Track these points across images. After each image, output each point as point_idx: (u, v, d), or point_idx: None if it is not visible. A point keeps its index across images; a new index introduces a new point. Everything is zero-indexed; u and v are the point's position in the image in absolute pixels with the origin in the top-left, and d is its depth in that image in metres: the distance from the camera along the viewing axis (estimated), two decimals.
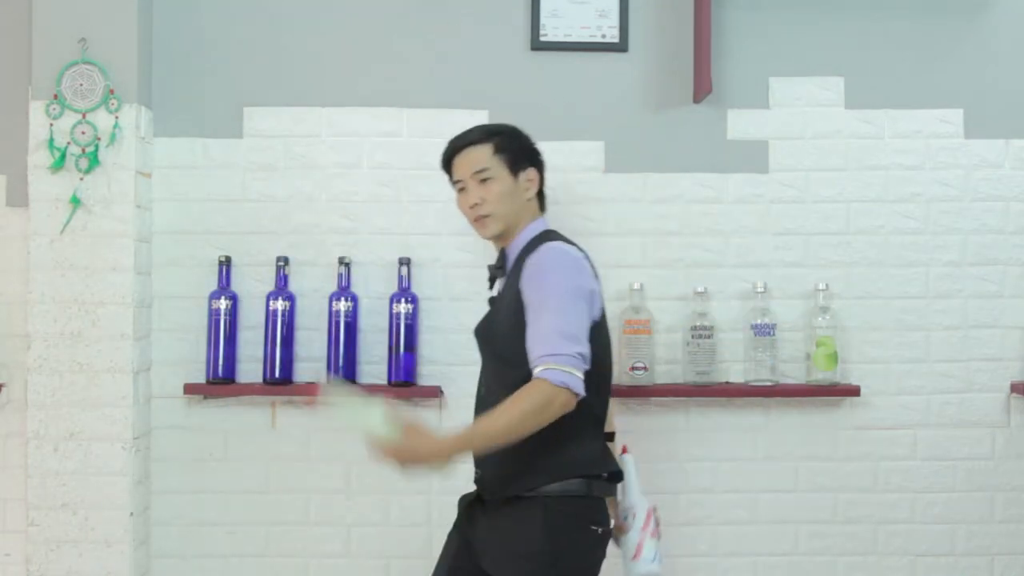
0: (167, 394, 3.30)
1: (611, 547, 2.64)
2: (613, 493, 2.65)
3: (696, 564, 3.33)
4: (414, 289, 3.30)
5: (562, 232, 2.70)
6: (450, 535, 2.73)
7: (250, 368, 3.31)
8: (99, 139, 3.16)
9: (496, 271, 2.73)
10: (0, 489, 3.26)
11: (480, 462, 2.64)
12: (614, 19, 3.38)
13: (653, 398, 3.31)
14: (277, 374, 3.26)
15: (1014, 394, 3.35)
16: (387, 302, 3.29)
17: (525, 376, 2.44)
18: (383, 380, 3.28)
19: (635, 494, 2.67)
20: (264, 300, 3.29)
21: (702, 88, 3.27)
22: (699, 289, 3.30)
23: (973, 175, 3.39)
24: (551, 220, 2.76)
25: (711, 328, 3.27)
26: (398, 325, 3.26)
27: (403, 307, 3.26)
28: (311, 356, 3.31)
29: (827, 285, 3.32)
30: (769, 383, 3.27)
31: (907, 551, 3.35)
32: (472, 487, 2.71)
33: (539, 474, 2.52)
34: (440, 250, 3.33)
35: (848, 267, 3.37)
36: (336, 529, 3.31)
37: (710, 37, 3.23)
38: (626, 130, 3.37)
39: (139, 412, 3.20)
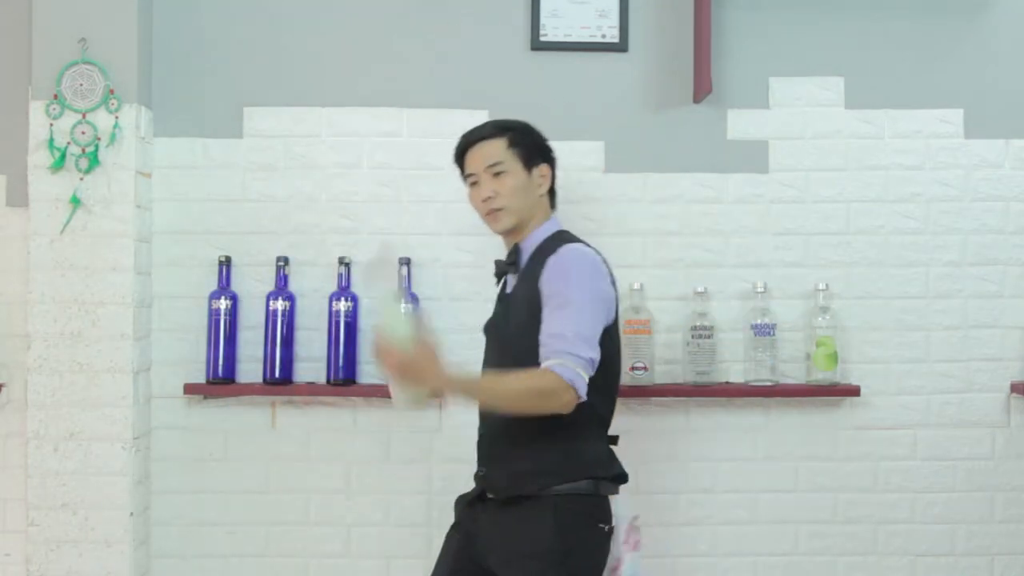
0: (167, 394, 3.31)
1: None
2: (617, 492, 2.65)
3: (696, 564, 3.33)
4: (414, 289, 3.30)
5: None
6: (449, 536, 2.73)
7: (250, 368, 3.31)
8: (99, 139, 3.16)
9: (508, 267, 2.72)
10: (0, 489, 3.26)
11: (486, 460, 2.64)
12: (614, 19, 3.38)
13: (653, 398, 3.31)
14: (277, 374, 3.26)
15: (1014, 394, 3.35)
16: None
17: None
18: (383, 380, 3.27)
19: (618, 504, 2.65)
20: (264, 300, 3.29)
21: (702, 88, 3.27)
22: (699, 289, 3.30)
23: (973, 175, 3.39)
24: None
25: (711, 328, 3.27)
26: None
27: (403, 307, 3.26)
28: (311, 356, 3.31)
29: (827, 285, 3.32)
30: (769, 383, 3.27)
31: (907, 551, 3.35)
32: (469, 487, 2.71)
33: (548, 474, 2.53)
34: (440, 250, 3.33)
35: (848, 267, 3.37)
36: (336, 529, 3.31)
37: (710, 37, 3.23)
38: (626, 130, 3.37)
39: (139, 412, 3.20)
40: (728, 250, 3.37)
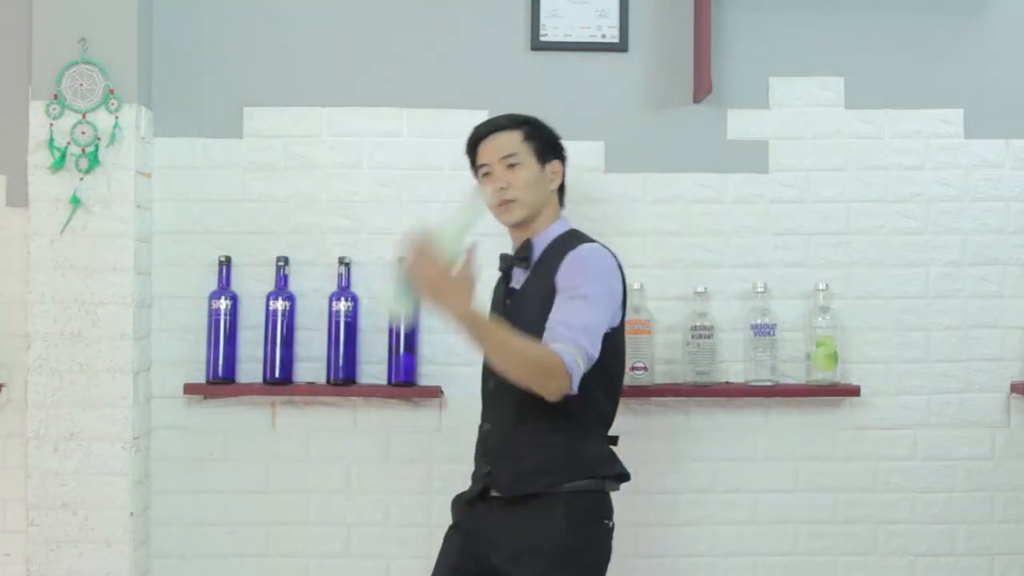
0: (167, 394, 3.31)
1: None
2: (617, 490, 2.66)
3: (696, 564, 3.33)
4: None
5: None
6: (448, 537, 2.73)
7: (250, 368, 3.31)
8: (99, 139, 3.16)
9: (518, 261, 2.71)
10: (0, 489, 3.26)
11: (492, 457, 2.63)
12: (614, 19, 3.38)
13: (653, 398, 3.31)
14: (277, 374, 3.26)
15: (1014, 394, 3.35)
16: None
17: None
18: (383, 380, 3.28)
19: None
20: (264, 300, 3.29)
21: (702, 88, 3.27)
22: (699, 289, 3.30)
23: (973, 175, 3.39)
24: None
25: (711, 328, 3.27)
26: (398, 325, 3.26)
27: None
28: (311, 356, 3.31)
29: (827, 285, 3.32)
30: (769, 383, 3.27)
31: (907, 551, 3.35)
32: (466, 486, 2.71)
33: (557, 472, 2.55)
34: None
35: (848, 267, 3.37)
36: (336, 529, 3.31)
37: (710, 37, 3.23)
38: (626, 130, 3.37)
39: (139, 412, 3.20)
40: (728, 250, 3.37)
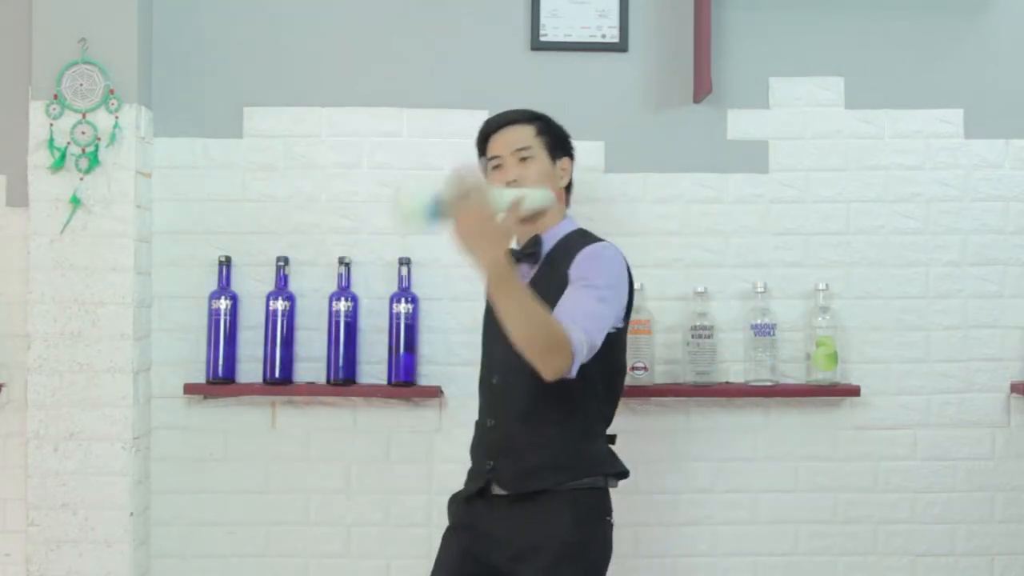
0: (167, 394, 3.31)
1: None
2: (616, 487, 2.67)
3: (696, 564, 3.33)
4: (414, 289, 3.30)
5: None
6: (446, 537, 2.72)
7: (250, 368, 3.31)
8: (99, 139, 3.16)
9: (527, 256, 2.69)
10: (0, 489, 3.26)
11: (494, 454, 2.62)
12: (614, 19, 3.38)
13: (653, 398, 3.31)
14: (277, 374, 3.26)
15: (1014, 394, 3.35)
16: (387, 302, 3.29)
17: None
18: (383, 380, 3.28)
19: None
20: (264, 300, 3.29)
21: (702, 88, 3.27)
22: (699, 289, 3.30)
23: (973, 175, 3.39)
24: None
25: (711, 328, 3.27)
26: (398, 325, 3.26)
27: (403, 307, 3.27)
28: (311, 356, 3.31)
29: (827, 285, 3.32)
30: (769, 383, 3.27)
31: (907, 551, 3.35)
32: (461, 485, 2.71)
33: (563, 470, 2.55)
34: (440, 250, 3.33)
35: (848, 267, 3.37)
36: (336, 529, 3.31)
37: (710, 37, 3.23)
38: (626, 130, 3.37)
39: (139, 412, 3.20)
40: (728, 250, 3.37)
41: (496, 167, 2.71)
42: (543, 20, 3.37)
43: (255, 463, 3.32)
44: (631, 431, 3.20)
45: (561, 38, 3.37)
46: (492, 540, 2.59)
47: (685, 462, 3.34)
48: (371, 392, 3.28)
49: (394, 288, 3.29)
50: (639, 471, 3.22)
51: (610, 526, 2.62)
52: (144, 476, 3.25)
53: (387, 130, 3.37)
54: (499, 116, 2.76)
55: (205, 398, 3.32)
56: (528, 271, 2.69)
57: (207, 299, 3.28)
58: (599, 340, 2.47)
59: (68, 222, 3.15)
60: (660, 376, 3.32)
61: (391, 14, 3.37)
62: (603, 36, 3.38)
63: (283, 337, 3.27)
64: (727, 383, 3.33)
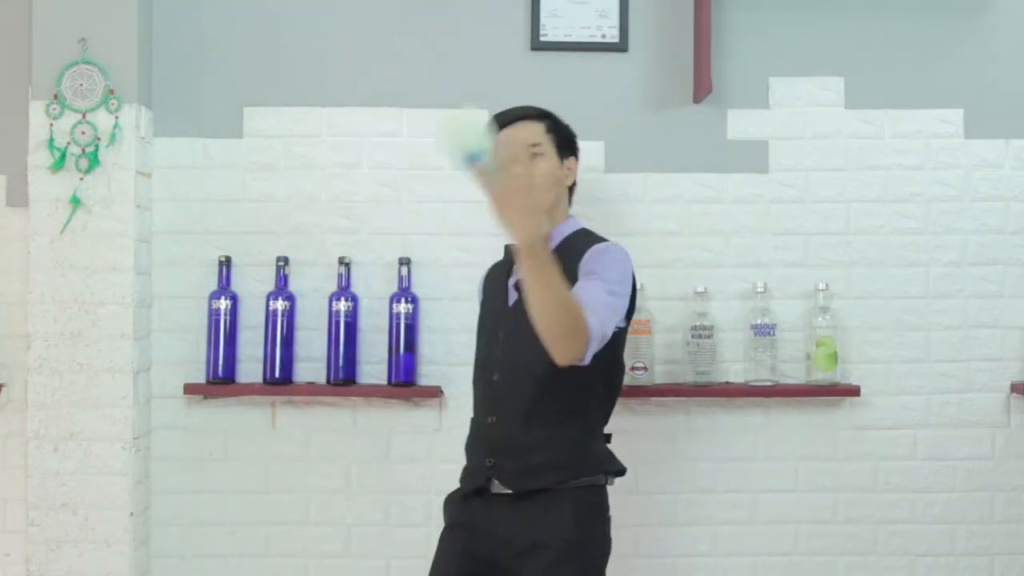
0: (167, 394, 3.31)
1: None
2: (612, 484, 2.67)
3: (696, 564, 3.33)
4: (414, 289, 3.30)
5: None
6: (444, 537, 2.71)
7: (250, 368, 3.31)
8: (99, 139, 3.16)
9: None
10: (0, 489, 3.26)
11: (496, 451, 2.61)
12: (614, 19, 3.38)
13: (653, 398, 3.31)
14: (277, 374, 3.26)
15: (1014, 394, 3.35)
16: (387, 302, 3.29)
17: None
18: (383, 380, 3.28)
19: None
20: (264, 300, 3.29)
21: (702, 88, 3.27)
22: (699, 289, 3.30)
23: (973, 175, 3.39)
24: None
25: (711, 328, 3.27)
26: (398, 325, 3.26)
27: (403, 307, 3.27)
28: (311, 356, 3.31)
29: (827, 285, 3.32)
30: (769, 383, 3.27)
31: (907, 551, 3.35)
32: (457, 485, 2.71)
33: (566, 468, 2.56)
34: (440, 250, 3.33)
35: (848, 267, 3.37)
36: (336, 529, 3.31)
37: (710, 37, 3.23)
38: (626, 130, 3.37)
39: (139, 412, 3.20)
40: (728, 250, 3.37)
41: None
42: (543, 20, 3.37)
43: (255, 463, 3.32)
44: (631, 431, 3.20)
45: (561, 38, 3.37)
46: (493, 538, 2.58)
47: (685, 462, 3.34)
48: (371, 392, 3.28)
49: (394, 288, 3.29)
50: (639, 471, 3.23)
51: (608, 521, 2.63)
52: (144, 476, 3.25)
53: (387, 130, 3.37)
54: (509, 111, 2.76)
55: (205, 398, 3.32)
56: None
57: (207, 299, 3.28)
58: (610, 331, 2.48)
59: (68, 222, 3.15)
60: (660, 376, 3.32)
61: (391, 14, 3.37)
62: (603, 36, 3.38)
63: (283, 337, 3.27)
64: (727, 383, 3.33)
